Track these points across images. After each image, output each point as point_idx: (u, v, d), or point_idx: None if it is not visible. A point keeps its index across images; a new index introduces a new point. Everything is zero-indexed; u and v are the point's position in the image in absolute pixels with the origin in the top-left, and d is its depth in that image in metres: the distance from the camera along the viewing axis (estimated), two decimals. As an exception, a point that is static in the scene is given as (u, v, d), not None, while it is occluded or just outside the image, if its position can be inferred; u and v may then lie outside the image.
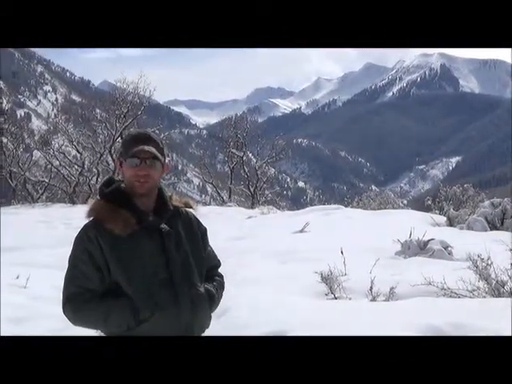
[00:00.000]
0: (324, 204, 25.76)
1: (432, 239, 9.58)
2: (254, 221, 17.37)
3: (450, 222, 14.57)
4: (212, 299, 2.69)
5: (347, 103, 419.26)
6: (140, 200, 2.56)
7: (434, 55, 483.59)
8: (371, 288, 6.59)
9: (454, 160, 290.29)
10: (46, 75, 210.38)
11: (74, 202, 28.10)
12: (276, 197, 37.00)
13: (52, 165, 31.57)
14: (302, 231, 12.96)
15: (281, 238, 12.26)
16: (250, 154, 36.61)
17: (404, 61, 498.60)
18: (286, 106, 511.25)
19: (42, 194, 32.08)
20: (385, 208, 21.05)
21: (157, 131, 29.38)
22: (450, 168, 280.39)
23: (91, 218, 2.55)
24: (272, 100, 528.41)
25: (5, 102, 42.86)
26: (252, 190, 32.58)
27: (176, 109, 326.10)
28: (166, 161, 2.66)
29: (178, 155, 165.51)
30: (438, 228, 13.20)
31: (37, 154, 33.71)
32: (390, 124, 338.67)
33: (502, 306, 5.17)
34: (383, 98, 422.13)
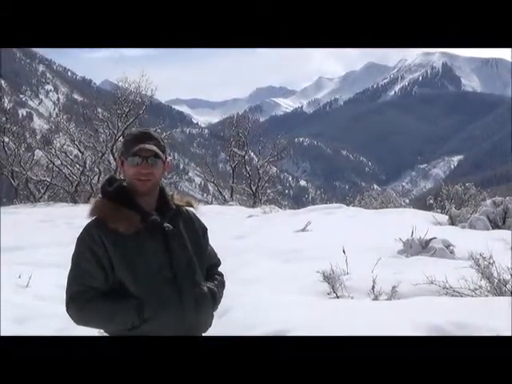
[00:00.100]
0: (326, 203, 25.73)
1: (434, 238, 9.57)
2: (255, 220, 17.35)
3: (452, 221, 14.55)
4: (214, 298, 2.69)
5: (349, 102, 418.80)
6: (142, 199, 2.56)
7: (436, 54, 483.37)
8: (373, 287, 6.58)
9: (455, 159, 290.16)
10: (48, 74, 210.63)
11: (75, 202, 28.17)
12: (278, 196, 37.06)
13: (54, 164, 31.62)
14: (303, 230, 12.95)
15: (282, 236, 12.25)
16: (252, 153, 36.59)
17: (406, 59, 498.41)
18: (287, 105, 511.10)
19: (44, 193, 32.12)
20: (386, 207, 21.02)
21: (158, 130, 29.42)
22: (452, 167, 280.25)
23: (94, 217, 2.55)
24: (274, 99, 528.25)
25: (6, 101, 42.86)
26: (254, 188, 32.60)
27: (178, 108, 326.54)
28: (168, 159, 2.66)
29: (180, 154, 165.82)
30: (440, 227, 13.18)
31: (38, 153, 33.79)
32: (392, 123, 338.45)
33: (504, 304, 5.16)
34: (385, 96, 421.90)
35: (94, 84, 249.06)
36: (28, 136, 35.76)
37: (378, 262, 7.65)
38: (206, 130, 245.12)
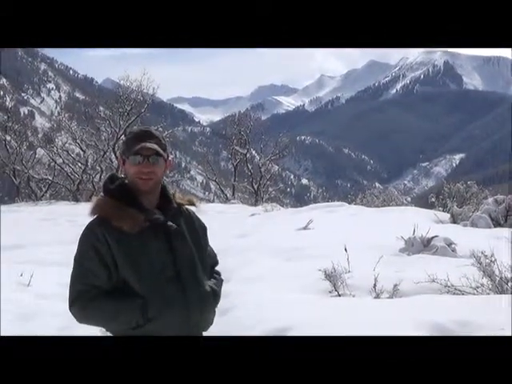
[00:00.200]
0: (327, 201, 25.68)
1: (436, 236, 9.57)
2: (257, 218, 17.35)
3: (454, 219, 14.53)
4: (216, 296, 2.70)
5: (350, 100, 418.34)
6: (144, 197, 2.56)
7: (438, 52, 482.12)
8: (375, 285, 6.59)
9: (457, 157, 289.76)
10: (50, 73, 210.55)
11: (77, 200, 28.18)
12: (279, 194, 37.04)
13: (55, 162, 31.61)
14: (305, 228, 12.95)
15: (284, 235, 12.24)
16: (254, 152, 36.57)
17: (407, 58, 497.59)
18: (289, 103, 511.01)
19: (46, 191, 32.10)
20: (388, 205, 20.97)
21: (160, 129, 29.41)
22: (454, 165, 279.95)
23: (96, 216, 2.54)
24: (275, 97, 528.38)
25: (8, 99, 42.95)
26: (255, 187, 32.57)
27: (179, 106, 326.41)
28: (169, 157, 2.66)
29: (182, 153, 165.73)
30: (442, 225, 13.17)
31: (40, 151, 33.80)
32: (394, 121, 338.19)
33: (506, 302, 5.16)
34: (386, 95, 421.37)
35: (96, 82, 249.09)
36: (30, 134, 35.82)
37: (379, 260, 7.65)
38: (208, 129, 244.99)
